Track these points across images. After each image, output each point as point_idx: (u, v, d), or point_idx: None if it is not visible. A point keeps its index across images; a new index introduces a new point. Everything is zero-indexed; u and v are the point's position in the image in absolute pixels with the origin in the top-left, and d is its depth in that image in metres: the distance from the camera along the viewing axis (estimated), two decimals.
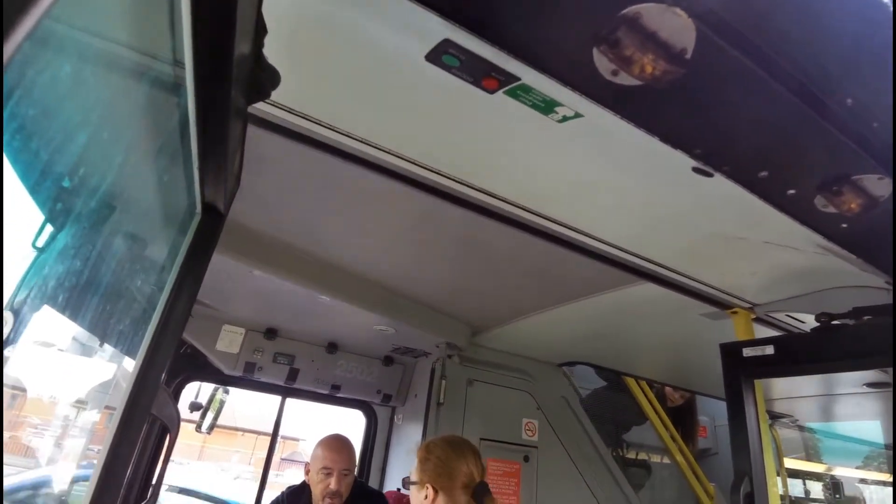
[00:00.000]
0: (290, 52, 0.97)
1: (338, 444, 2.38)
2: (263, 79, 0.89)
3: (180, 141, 1.01)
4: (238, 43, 0.74)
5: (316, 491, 2.30)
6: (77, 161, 1.05)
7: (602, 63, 0.76)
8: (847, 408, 3.78)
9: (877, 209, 1.13)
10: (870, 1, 0.84)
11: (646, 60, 0.73)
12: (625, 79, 0.78)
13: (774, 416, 4.35)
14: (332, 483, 2.26)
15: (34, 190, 1.02)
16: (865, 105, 0.92)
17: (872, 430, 4.43)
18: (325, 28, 0.92)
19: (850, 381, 3.15)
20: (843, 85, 0.89)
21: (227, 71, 0.77)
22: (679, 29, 0.71)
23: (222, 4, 0.68)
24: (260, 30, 0.82)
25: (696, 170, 1.07)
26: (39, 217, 1.14)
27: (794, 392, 3.77)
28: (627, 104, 0.84)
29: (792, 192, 1.06)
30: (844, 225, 1.18)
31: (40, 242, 1.17)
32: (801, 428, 4.78)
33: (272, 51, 0.93)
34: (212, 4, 0.67)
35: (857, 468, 5.80)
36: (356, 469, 2.47)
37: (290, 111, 1.18)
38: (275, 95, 1.07)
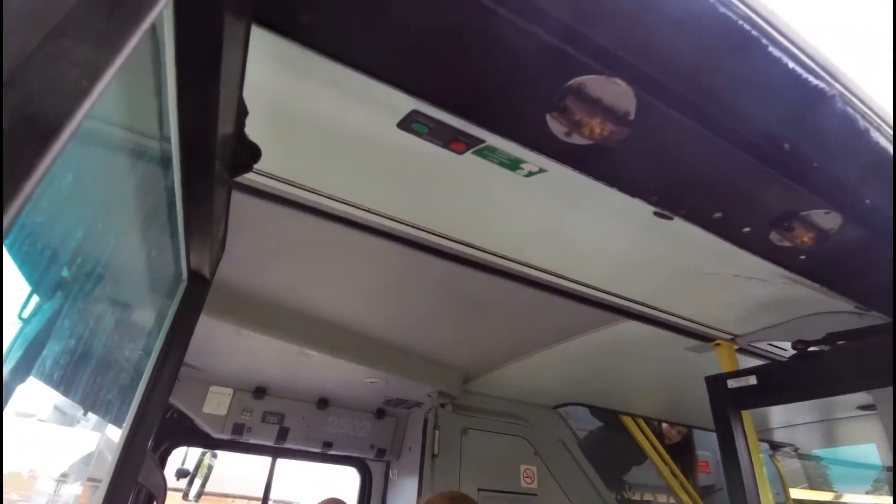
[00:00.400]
0: (270, 127, 1.05)
1: None
2: (245, 155, 0.95)
3: (167, 213, 1.06)
4: (221, 124, 0.80)
5: None
6: (66, 233, 1.09)
7: (555, 126, 0.84)
8: (845, 432, 3.77)
9: (830, 240, 1.20)
10: (796, 57, 0.94)
11: (594, 123, 0.81)
12: (577, 139, 0.85)
13: (775, 447, 4.30)
14: None
15: (23, 260, 1.05)
16: (802, 149, 1.00)
17: (874, 452, 4.39)
18: (301, 105, 1.00)
19: (844, 406, 3.17)
20: (779, 132, 0.97)
21: (210, 150, 0.83)
22: (620, 95, 0.79)
23: (205, 90, 0.74)
24: (241, 112, 0.89)
25: (656, 213, 1.14)
26: (26, 288, 1.16)
27: (791, 420, 3.76)
28: (583, 161, 0.92)
29: (747, 229, 1.13)
30: (802, 256, 1.25)
31: (26, 313, 1.19)
32: (803, 457, 4.71)
33: (254, 127, 1.00)
34: (196, 90, 0.74)
35: (867, 493, 5.68)
36: None
37: (273, 177, 1.24)
38: (258, 164, 1.14)
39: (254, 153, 0.97)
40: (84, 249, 1.18)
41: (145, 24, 0.42)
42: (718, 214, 1.07)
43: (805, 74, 0.82)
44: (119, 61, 0.39)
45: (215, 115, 0.78)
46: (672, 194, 1.02)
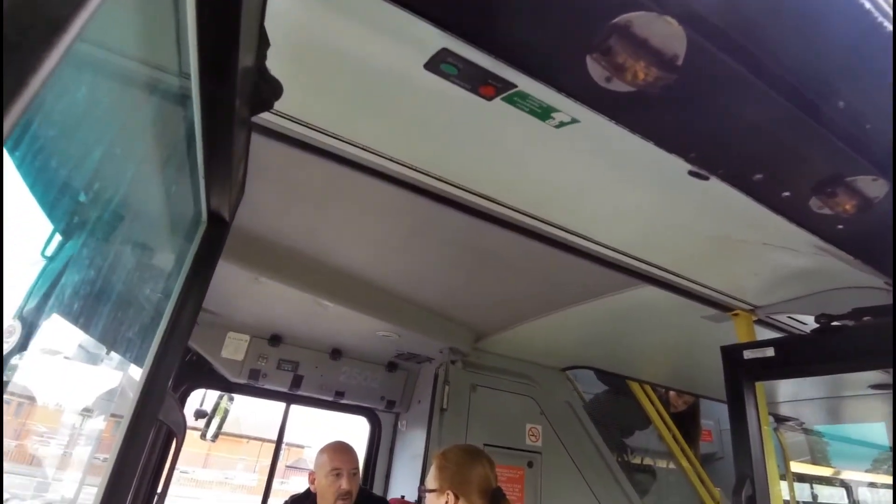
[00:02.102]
0: (292, 64, 1.00)
1: (343, 445, 2.41)
2: (266, 90, 0.91)
3: (186, 152, 1.03)
4: (241, 56, 0.76)
5: (328, 495, 2.30)
6: (86, 171, 1.07)
7: (595, 70, 0.78)
8: (852, 410, 3.77)
9: (872, 210, 1.14)
10: (861, 7, 0.86)
11: (638, 67, 0.75)
12: (618, 85, 0.80)
13: (780, 420, 4.33)
14: (344, 483, 2.28)
15: (43, 199, 1.05)
16: (858, 108, 0.93)
17: (879, 432, 4.40)
18: (325, 40, 0.95)
19: (855, 384, 3.14)
20: (835, 88, 0.90)
21: (231, 83, 0.80)
22: (670, 36, 0.73)
23: (226, 19, 0.70)
24: (262, 43, 0.85)
25: (692, 173, 1.08)
26: (48, 226, 1.16)
27: (799, 395, 3.76)
28: (621, 110, 0.86)
29: (787, 194, 1.08)
30: (840, 226, 1.20)
31: (49, 251, 1.20)
32: (808, 431, 4.75)
33: (275, 63, 0.95)
34: (216, 19, 0.70)
35: (866, 471, 5.75)
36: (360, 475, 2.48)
37: (294, 120, 1.20)
38: (278, 105, 1.10)
39: (275, 89, 0.93)
40: (106, 187, 1.17)
41: None
42: (759, 176, 1.01)
43: (878, 16, 0.74)
44: None
45: (236, 46, 0.74)
46: (712, 151, 0.96)
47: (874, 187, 1.08)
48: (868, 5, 0.75)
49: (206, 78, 0.81)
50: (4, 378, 1.11)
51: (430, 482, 1.82)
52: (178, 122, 1.04)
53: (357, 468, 2.38)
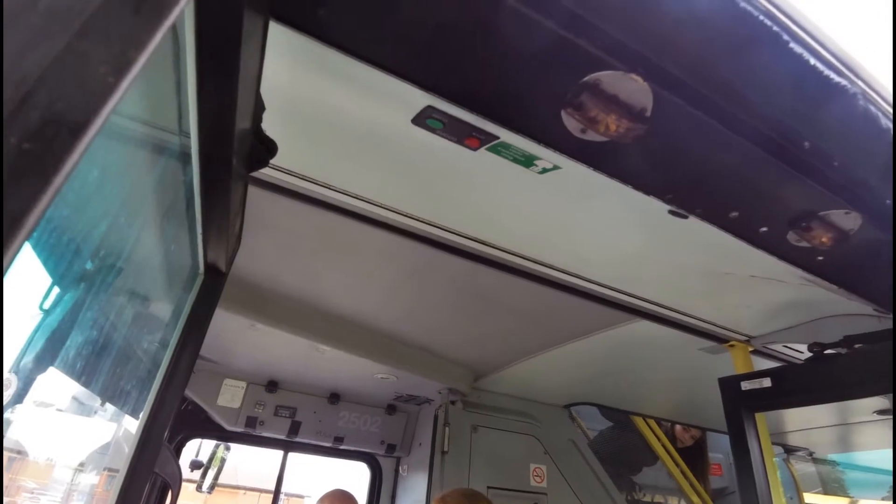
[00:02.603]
0: (287, 123, 1.06)
1: (342, 494, 2.36)
2: (262, 150, 0.96)
3: (185, 207, 1.07)
4: (238, 120, 0.82)
5: None
6: (87, 226, 1.11)
7: (570, 123, 0.84)
8: (860, 437, 3.71)
9: (849, 241, 1.18)
10: (815, 51, 0.93)
11: (610, 120, 0.81)
12: (593, 136, 0.85)
13: (789, 450, 4.25)
14: None
15: (43, 253, 1.07)
16: (822, 147, 0.99)
17: (889, 459, 4.30)
18: (317, 101, 1.01)
19: (860, 410, 3.11)
20: (799, 130, 0.96)
21: (228, 144, 0.84)
22: (636, 91, 0.78)
23: (224, 87, 0.75)
24: (258, 107, 0.90)
25: (671, 212, 1.13)
26: (47, 279, 1.18)
27: (807, 423, 3.70)
28: (598, 158, 0.91)
29: (764, 229, 1.12)
30: (820, 258, 1.23)
31: (47, 304, 1.22)
32: (818, 461, 4.64)
33: (270, 123, 1.01)
34: (215, 86, 0.75)
35: (882, 499, 5.59)
36: None
37: (289, 173, 1.25)
38: (274, 160, 1.15)
39: (270, 148, 0.99)
40: (105, 242, 1.20)
41: (169, 21, 0.43)
42: (735, 213, 1.06)
43: (826, 71, 0.80)
44: (143, 58, 0.39)
45: (233, 110, 0.79)
46: (687, 192, 1.01)
47: (848, 220, 1.13)
48: (815, 62, 0.81)
49: (204, 140, 0.86)
50: None
51: None
52: (177, 178, 1.09)
53: None
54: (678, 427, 4.06)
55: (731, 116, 0.89)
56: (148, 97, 0.96)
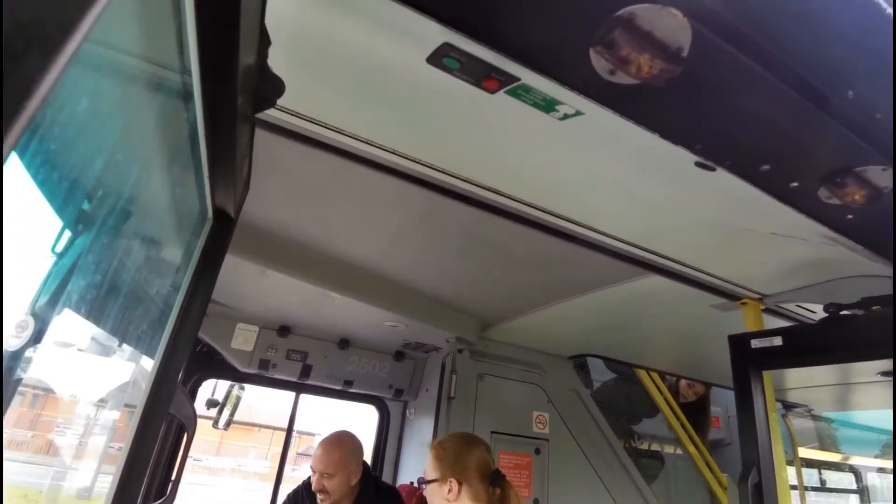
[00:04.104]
0: (294, 60, 1.00)
1: (325, 445, 2.34)
2: (268, 88, 0.91)
3: (191, 150, 1.04)
4: (242, 55, 0.76)
5: None
6: (93, 168, 1.08)
7: (599, 63, 0.77)
8: (862, 397, 3.75)
9: (882, 200, 1.12)
10: None
11: (642, 60, 0.74)
12: (622, 78, 0.79)
13: (788, 406, 4.32)
14: (314, 483, 2.27)
15: (52, 197, 1.06)
16: (866, 97, 0.92)
17: (888, 418, 4.37)
18: (327, 36, 0.94)
19: (864, 371, 3.12)
20: (844, 78, 0.89)
21: (232, 82, 0.80)
22: (674, 28, 0.71)
23: (225, 18, 0.70)
24: (263, 42, 0.84)
25: (698, 164, 1.07)
26: (58, 223, 1.18)
27: (808, 382, 3.74)
28: (626, 102, 0.85)
29: (795, 184, 1.06)
30: (850, 216, 1.18)
31: (59, 247, 1.22)
32: (817, 418, 4.74)
33: (277, 59, 0.95)
34: (215, 19, 0.70)
35: (875, 457, 5.75)
36: (360, 466, 2.38)
37: (297, 115, 1.20)
38: (281, 101, 1.10)
39: (277, 87, 0.93)
40: (113, 184, 1.18)
41: None
42: (766, 167, 1.00)
43: (886, 7, 0.72)
44: None
45: (236, 43, 0.74)
46: (719, 142, 0.95)
47: (884, 177, 1.07)
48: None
49: (207, 77, 0.81)
50: (20, 371, 1.14)
51: (430, 473, 1.83)
52: (182, 121, 1.04)
53: (330, 471, 2.26)
54: (683, 383, 4.13)
55: (773, 60, 0.82)
56: (146, 29, 0.91)
